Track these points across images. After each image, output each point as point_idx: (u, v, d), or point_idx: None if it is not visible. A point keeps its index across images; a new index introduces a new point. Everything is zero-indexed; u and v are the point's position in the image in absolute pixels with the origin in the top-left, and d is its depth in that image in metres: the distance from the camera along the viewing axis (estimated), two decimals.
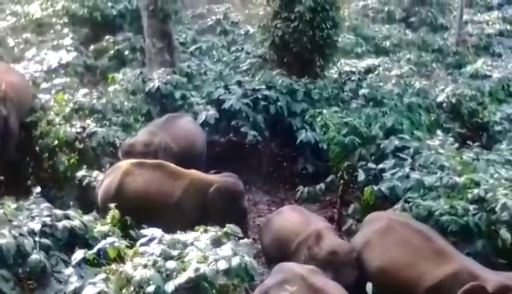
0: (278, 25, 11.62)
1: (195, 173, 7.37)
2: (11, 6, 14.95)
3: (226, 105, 10.37)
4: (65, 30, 13.68)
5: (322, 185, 9.12)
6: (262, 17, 12.21)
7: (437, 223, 6.71)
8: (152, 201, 6.98)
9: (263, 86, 10.80)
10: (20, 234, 5.32)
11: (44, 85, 10.32)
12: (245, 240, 5.55)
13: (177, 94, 10.35)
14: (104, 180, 7.26)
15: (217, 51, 14.31)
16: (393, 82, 11.53)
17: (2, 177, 8.63)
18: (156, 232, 5.45)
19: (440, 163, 7.77)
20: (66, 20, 14.03)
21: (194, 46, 14.33)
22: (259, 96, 10.63)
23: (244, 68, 12.87)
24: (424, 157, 7.98)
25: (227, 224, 5.53)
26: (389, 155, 8.48)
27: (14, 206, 6.06)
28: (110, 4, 14.22)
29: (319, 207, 9.77)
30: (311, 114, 10.01)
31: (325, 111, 9.73)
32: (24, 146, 8.88)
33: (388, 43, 16.77)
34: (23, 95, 8.68)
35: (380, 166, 8.20)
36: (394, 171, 7.91)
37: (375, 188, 7.70)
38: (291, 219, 7.18)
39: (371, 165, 8.35)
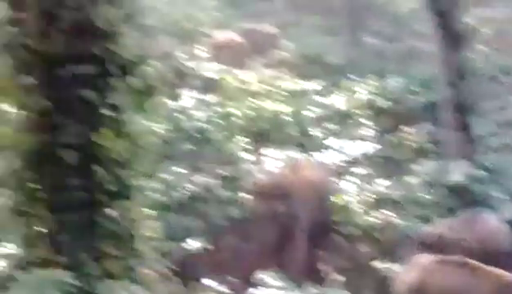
0: None
1: (500, 273, 7.08)
2: (315, 97, 15.56)
3: None
4: (366, 122, 13.99)
5: None
6: None
7: None
8: None
9: None
10: None
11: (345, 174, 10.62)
12: None
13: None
14: (404, 275, 7.18)
15: None
16: None
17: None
18: None
19: None
20: (369, 112, 14.36)
21: None
22: None
23: None
24: None
25: None
26: None
27: (315, 291, 6.28)
28: (412, 97, 14.32)
29: None
30: None
31: None
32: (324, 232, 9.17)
33: None
34: (318, 193, 8.91)
35: None
36: None
37: None
38: None
39: None
